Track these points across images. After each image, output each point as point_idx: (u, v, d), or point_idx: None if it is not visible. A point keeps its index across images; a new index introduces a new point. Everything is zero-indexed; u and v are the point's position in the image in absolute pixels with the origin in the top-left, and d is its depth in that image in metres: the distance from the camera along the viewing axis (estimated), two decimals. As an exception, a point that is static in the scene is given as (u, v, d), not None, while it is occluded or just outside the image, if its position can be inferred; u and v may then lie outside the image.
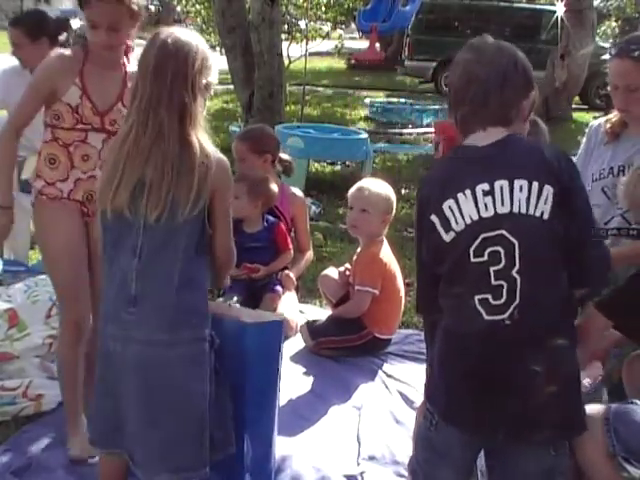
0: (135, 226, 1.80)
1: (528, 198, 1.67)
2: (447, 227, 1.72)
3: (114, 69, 2.36)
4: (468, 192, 1.70)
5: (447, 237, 1.72)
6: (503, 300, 1.66)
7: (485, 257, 1.67)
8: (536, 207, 1.67)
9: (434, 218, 1.73)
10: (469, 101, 1.75)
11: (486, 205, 1.69)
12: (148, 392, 1.83)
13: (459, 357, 1.75)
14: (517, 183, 1.67)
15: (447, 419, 1.77)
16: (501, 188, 1.68)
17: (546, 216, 1.66)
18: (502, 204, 1.68)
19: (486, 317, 1.67)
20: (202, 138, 1.84)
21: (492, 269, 1.67)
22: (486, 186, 1.69)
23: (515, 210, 1.67)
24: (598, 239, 1.79)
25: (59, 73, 2.30)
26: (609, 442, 1.85)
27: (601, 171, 2.65)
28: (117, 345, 1.84)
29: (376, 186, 3.23)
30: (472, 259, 1.68)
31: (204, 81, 1.86)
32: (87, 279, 2.38)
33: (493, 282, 1.67)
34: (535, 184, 1.66)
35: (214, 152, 1.86)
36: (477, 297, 1.68)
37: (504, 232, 1.66)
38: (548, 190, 1.66)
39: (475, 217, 1.69)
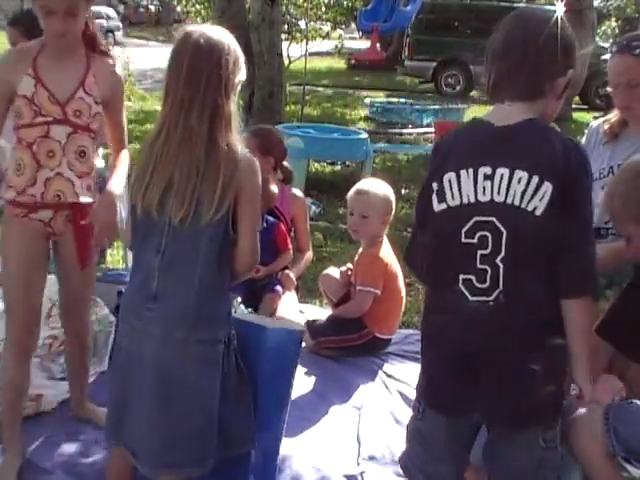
0: (160, 225, 1.82)
1: (524, 191, 1.67)
2: (441, 198, 1.74)
3: (72, 56, 2.27)
4: (471, 171, 1.71)
5: (437, 207, 1.75)
6: (487, 284, 1.69)
7: (475, 240, 1.71)
8: (530, 202, 1.67)
9: (434, 185, 1.76)
10: (505, 63, 1.72)
11: (484, 189, 1.70)
12: (159, 388, 1.84)
13: (441, 337, 1.79)
14: (517, 174, 1.67)
15: (430, 403, 1.81)
16: (501, 176, 1.69)
17: (538, 212, 1.66)
18: (499, 192, 1.69)
19: (471, 298, 1.70)
20: (232, 139, 1.83)
21: (479, 252, 1.70)
22: (489, 170, 1.70)
23: (509, 201, 1.68)
24: (591, 249, 1.74)
25: (12, 67, 2.23)
26: (609, 442, 1.84)
27: (601, 170, 2.65)
28: (133, 338, 1.86)
29: (375, 188, 3.22)
30: (463, 239, 1.72)
31: (237, 80, 1.86)
32: (38, 304, 2.37)
33: (478, 265, 1.70)
34: (535, 178, 1.66)
35: (244, 153, 1.86)
36: (462, 277, 1.72)
37: (495, 220, 1.69)
38: (547, 187, 1.65)
39: (472, 199, 1.71)
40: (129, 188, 1.93)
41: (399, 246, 3.78)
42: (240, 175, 1.82)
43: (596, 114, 10.43)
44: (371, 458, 2.49)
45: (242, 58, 1.89)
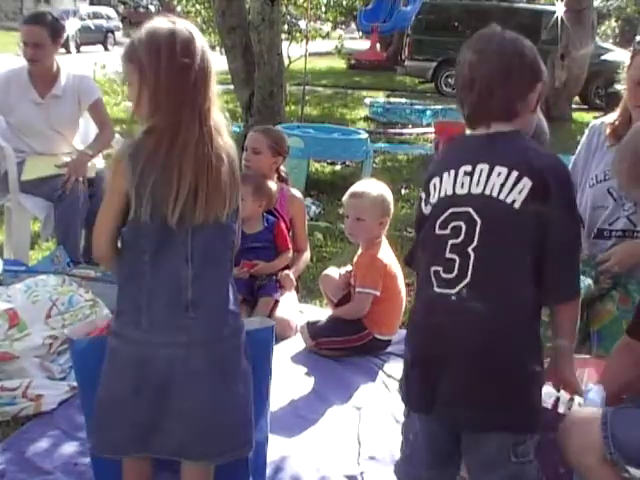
0: (181, 233, 1.77)
1: (503, 184, 1.68)
2: (427, 201, 1.80)
3: None
4: (452, 172, 1.75)
5: (426, 210, 1.80)
6: (453, 275, 1.68)
7: (447, 230, 1.71)
8: (508, 194, 1.67)
9: (422, 194, 1.82)
10: (475, 97, 1.75)
11: (462, 184, 1.73)
12: (213, 385, 1.85)
13: (413, 330, 1.82)
14: (497, 169, 1.69)
15: (406, 402, 1.83)
16: (481, 171, 1.71)
17: (517, 205, 1.67)
18: (477, 185, 1.71)
19: (437, 290, 1.70)
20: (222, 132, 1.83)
21: (450, 242, 1.70)
22: (469, 168, 1.73)
23: (487, 192, 1.69)
24: (577, 255, 1.76)
25: None
26: (606, 449, 1.76)
27: (606, 172, 2.65)
28: (168, 351, 1.80)
29: (370, 190, 3.18)
30: (437, 231, 1.73)
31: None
32: None
33: (447, 255, 1.69)
34: (514, 172, 1.67)
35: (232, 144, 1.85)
36: (432, 268, 1.72)
37: (470, 210, 1.69)
38: (526, 182, 1.66)
39: (450, 192, 1.74)
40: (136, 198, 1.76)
41: (399, 246, 3.79)
42: (235, 165, 1.84)
43: (596, 114, 10.43)
44: (371, 458, 2.49)
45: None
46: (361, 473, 2.40)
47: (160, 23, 1.76)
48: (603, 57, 13.64)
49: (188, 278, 1.79)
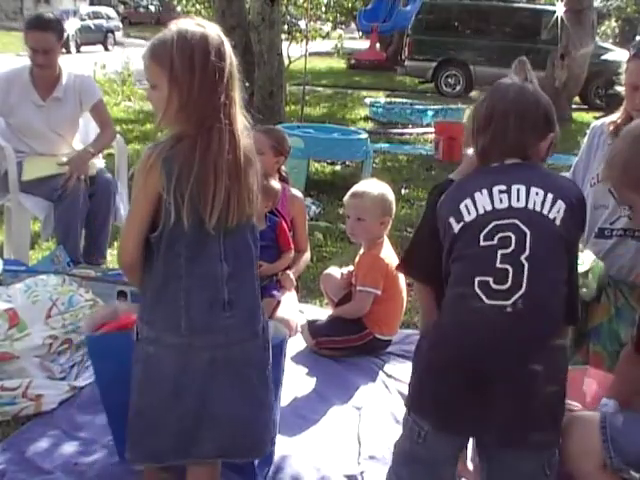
0: (215, 234, 1.79)
1: (543, 202, 1.70)
2: (459, 219, 1.74)
3: None
4: (485, 191, 1.74)
5: (457, 227, 1.74)
6: (507, 286, 1.62)
7: (495, 241, 1.67)
8: (550, 211, 1.69)
9: (451, 220, 1.75)
10: (490, 135, 1.80)
11: (501, 199, 1.72)
12: (251, 381, 1.88)
13: (451, 346, 1.70)
14: (533, 189, 1.72)
15: (438, 426, 1.71)
16: (518, 190, 1.72)
17: (558, 222, 1.69)
18: (517, 200, 1.71)
19: (487, 301, 1.63)
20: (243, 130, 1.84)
21: (500, 252, 1.65)
22: (503, 187, 1.73)
23: (530, 207, 1.70)
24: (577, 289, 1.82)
25: None
26: (606, 453, 1.72)
27: None
28: (208, 352, 1.82)
29: (371, 190, 3.17)
30: (481, 243, 1.68)
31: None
32: None
33: (498, 265, 1.64)
34: (550, 195, 1.71)
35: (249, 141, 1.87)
36: (477, 279, 1.65)
37: (517, 221, 1.68)
38: (561, 204, 1.70)
39: (489, 208, 1.72)
40: (173, 199, 1.74)
41: (400, 246, 3.78)
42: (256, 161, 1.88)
43: (596, 114, 10.45)
44: (371, 458, 2.48)
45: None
46: (361, 473, 2.40)
47: (190, 26, 1.74)
48: (603, 57, 13.64)
49: (224, 277, 1.81)
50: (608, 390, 1.99)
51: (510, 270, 1.63)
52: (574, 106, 12.39)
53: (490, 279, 1.64)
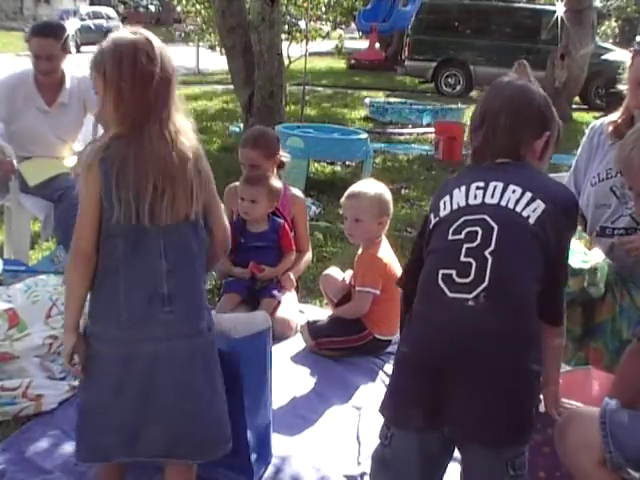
0: (153, 230, 1.84)
1: (518, 200, 1.69)
2: (436, 214, 1.77)
3: None
4: (463, 187, 1.75)
5: (433, 222, 1.78)
6: (470, 279, 1.62)
7: (462, 235, 1.68)
8: (524, 209, 1.68)
9: (431, 215, 1.80)
10: (482, 134, 1.79)
11: (476, 196, 1.72)
12: (195, 378, 1.89)
13: (412, 342, 1.71)
14: (511, 187, 1.71)
15: (396, 421, 1.71)
16: (494, 187, 1.72)
17: (531, 221, 1.67)
18: (492, 197, 1.71)
19: (449, 294, 1.63)
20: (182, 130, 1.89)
21: (465, 246, 1.66)
22: (481, 184, 1.73)
23: (503, 203, 1.69)
24: (564, 286, 1.81)
25: None
26: (605, 448, 1.70)
27: (608, 171, 2.65)
28: (149, 346, 1.85)
29: (367, 190, 3.16)
30: (449, 237, 1.70)
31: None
32: None
33: (462, 258, 1.65)
34: (528, 194, 1.69)
35: (192, 138, 1.92)
36: (441, 272, 1.66)
37: (486, 217, 1.68)
38: (539, 203, 1.68)
39: (462, 203, 1.73)
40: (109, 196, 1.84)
41: (399, 246, 3.78)
42: (201, 162, 1.91)
43: (596, 114, 10.44)
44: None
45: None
46: (361, 473, 2.40)
47: (123, 34, 1.88)
48: (603, 57, 13.64)
49: (163, 273, 1.86)
50: (611, 389, 1.98)
51: (473, 264, 1.63)
52: (574, 106, 12.38)
53: (453, 272, 1.64)
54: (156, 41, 1.87)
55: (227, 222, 2.07)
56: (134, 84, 1.81)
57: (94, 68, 1.87)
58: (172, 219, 1.85)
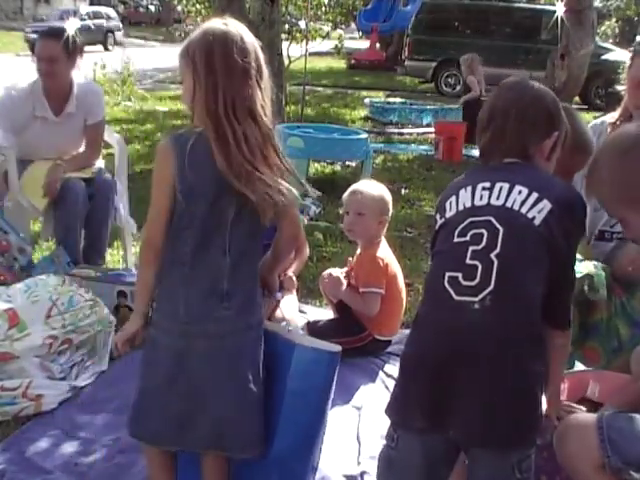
0: (222, 224, 1.85)
1: (524, 201, 1.68)
2: (442, 215, 1.77)
3: None
4: (469, 188, 1.75)
5: (439, 223, 1.78)
6: (475, 282, 1.62)
7: (467, 237, 1.68)
8: (529, 210, 1.67)
9: (437, 216, 1.80)
10: (490, 132, 1.79)
11: (482, 197, 1.72)
12: (242, 377, 1.90)
13: (418, 343, 1.70)
14: (517, 187, 1.70)
15: (401, 424, 1.70)
16: (500, 188, 1.71)
17: (537, 222, 1.66)
18: (497, 198, 1.70)
19: (455, 297, 1.62)
20: None
21: (471, 248, 1.65)
22: (487, 184, 1.73)
23: (508, 205, 1.69)
24: (572, 288, 1.80)
25: None
26: (603, 453, 1.68)
27: None
28: (203, 342, 1.86)
29: (370, 188, 3.20)
30: (455, 239, 1.69)
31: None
32: None
33: (468, 261, 1.64)
34: (534, 194, 1.68)
35: None
36: (447, 274, 1.65)
37: (492, 218, 1.67)
38: (545, 204, 1.67)
39: (468, 204, 1.73)
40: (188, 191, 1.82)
41: (399, 246, 3.79)
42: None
43: (596, 114, 10.43)
44: (371, 458, 2.48)
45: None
46: (361, 473, 2.40)
47: (214, 24, 1.86)
48: (603, 57, 13.64)
49: (226, 269, 1.85)
50: (621, 390, 1.98)
51: (479, 266, 1.62)
52: (574, 106, 12.37)
53: (459, 275, 1.64)
54: (246, 31, 1.89)
55: (296, 216, 2.07)
56: (226, 76, 1.80)
57: (181, 56, 1.85)
58: (248, 217, 1.86)
